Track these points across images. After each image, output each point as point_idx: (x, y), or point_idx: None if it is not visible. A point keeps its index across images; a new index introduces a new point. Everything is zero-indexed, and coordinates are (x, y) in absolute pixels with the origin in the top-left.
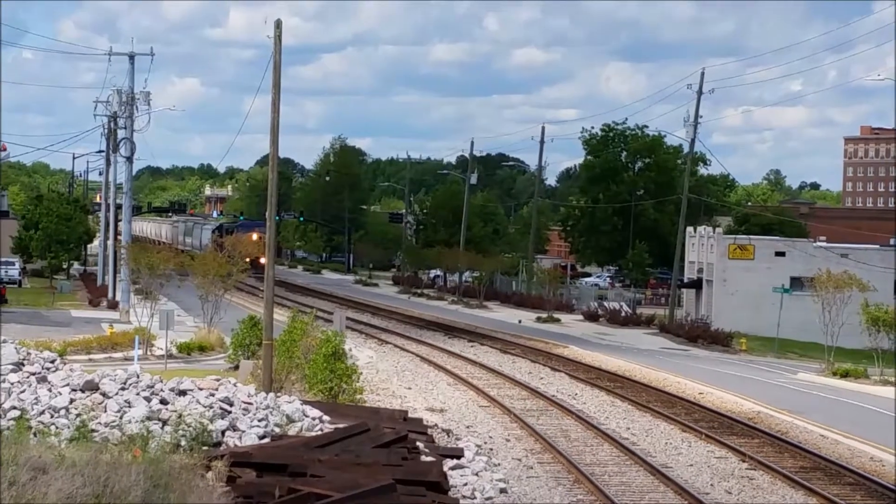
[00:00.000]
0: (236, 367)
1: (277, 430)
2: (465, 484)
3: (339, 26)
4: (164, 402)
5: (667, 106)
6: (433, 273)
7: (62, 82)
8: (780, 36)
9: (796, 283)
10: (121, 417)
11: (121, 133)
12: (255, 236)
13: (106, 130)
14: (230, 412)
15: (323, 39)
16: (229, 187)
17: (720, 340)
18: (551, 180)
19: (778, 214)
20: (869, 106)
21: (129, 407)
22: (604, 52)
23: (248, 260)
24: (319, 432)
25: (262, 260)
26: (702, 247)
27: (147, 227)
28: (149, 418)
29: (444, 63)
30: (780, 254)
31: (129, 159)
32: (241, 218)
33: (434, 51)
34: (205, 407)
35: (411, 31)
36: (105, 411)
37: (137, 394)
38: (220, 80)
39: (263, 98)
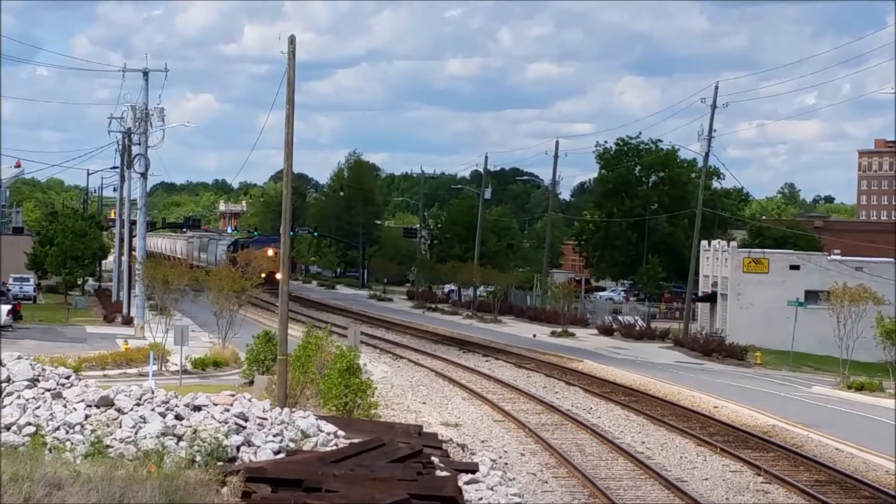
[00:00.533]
0: (251, 383)
1: (292, 445)
2: (481, 499)
3: (352, 42)
4: (179, 417)
5: (681, 120)
6: (448, 288)
7: (76, 99)
8: (793, 49)
9: (811, 296)
10: (136, 433)
11: (135, 149)
12: (270, 252)
13: (120, 146)
14: (245, 427)
15: (337, 55)
16: (243, 203)
17: (735, 354)
18: (565, 195)
19: (792, 228)
20: (883, 119)
21: (144, 423)
22: (617, 66)
23: (263, 275)
24: (334, 447)
25: (278, 275)
26: (716, 260)
27: (162, 242)
28: (164, 434)
29: (457, 78)
30: (795, 267)
31: (144, 175)
32: (256, 233)
33: (448, 66)
34: (220, 422)
35: (425, 46)
36: (120, 427)
37: (152, 409)
38: (235, 96)
39: (277, 113)
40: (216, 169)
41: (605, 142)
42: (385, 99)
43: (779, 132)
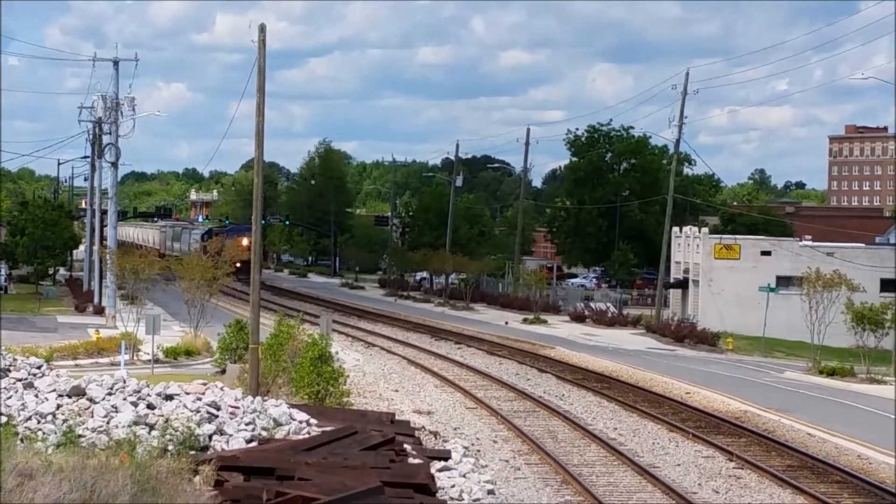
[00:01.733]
0: (223, 372)
1: (265, 433)
2: (453, 486)
3: (325, 30)
4: (151, 406)
5: (653, 107)
6: (419, 276)
7: (48, 88)
8: (766, 36)
9: (782, 282)
10: (108, 422)
11: (106, 139)
12: (244, 241)
13: (91, 136)
14: (217, 416)
15: (309, 43)
16: (215, 192)
17: (707, 340)
18: (537, 182)
19: (763, 214)
20: (855, 105)
21: (116, 412)
22: (590, 53)
23: (237, 265)
24: (307, 435)
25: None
26: (687, 247)
27: (134, 232)
28: (136, 423)
29: (430, 66)
30: (766, 253)
31: (115, 164)
32: (227, 222)
33: (420, 54)
34: (192, 411)
35: (397, 35)
36: (92, 416)
37: (124, 399)
38: (207, 86)
39: (249, 102)
40: (188, 158)
41: (577, 129)
42: (358, 87)
43: (751, 118)
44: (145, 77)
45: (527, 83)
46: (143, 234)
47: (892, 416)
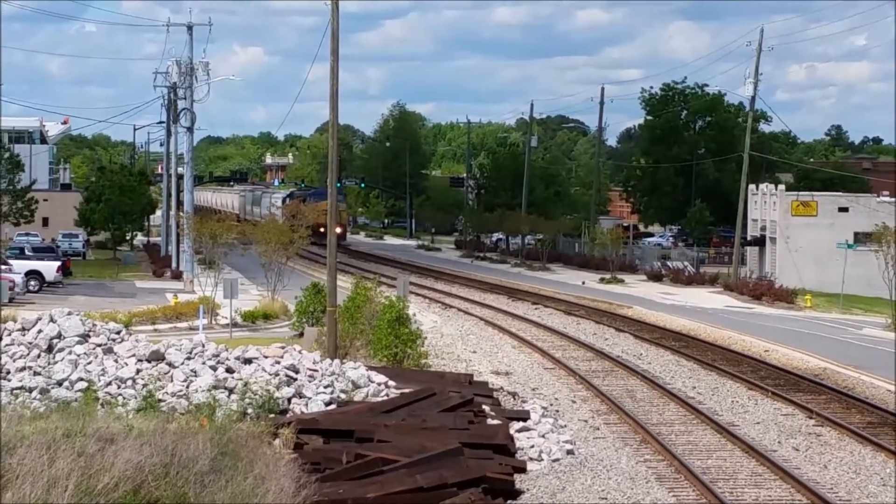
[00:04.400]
0: (301, 335)
1: (343, 396)
2: (532, 446)
3: None
4: (229, 370)
5: (729, 64)
6: (495, 237)
7: (124, 54)
8: None
9: (860, 238)
10: (187, 387)
11: (181, 103)
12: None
13: (166, 101)
14: (296, 379)
15: (385, 6)
16: (290, 155)
17: (784, 298)
18: (612, 141)
19: (839, 170)
20: None
21: (196, 376)
22: (667, 11)
23: (322, 230)
24: (385, 398)
25: (337, 229)
26: (764, 204)
27: (212, 196)
28: (215, 387)
29: (505, 25)
30: (844, 209)
31: (190, 129)
32: (303, 185)
33: (496, 13)
34: (270, 375)
35: None
36: (171, 381)
37: (203, 363)
38: (283, 49)
39: (323, 65)
40: (263, 122)
41: (651, 87)
42: (433, 49)
43: (829, 74)
44: (221, 41)
45: (603, 42)
46: (221, 198)
47: None
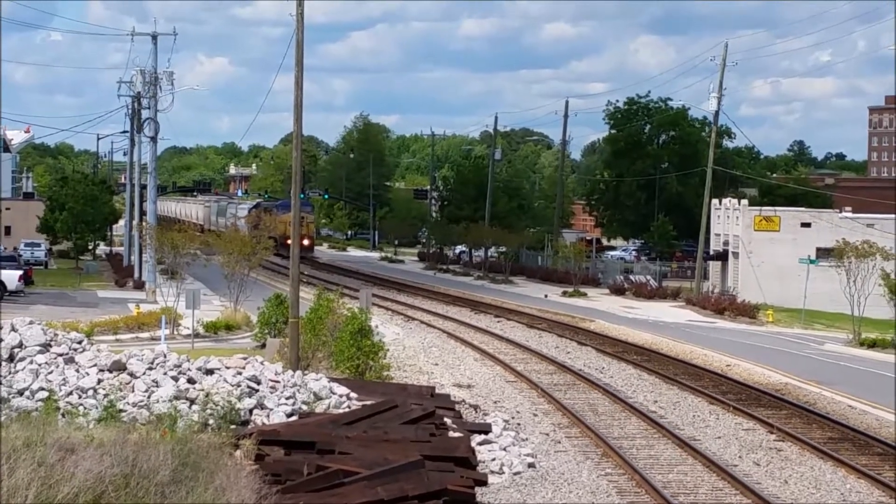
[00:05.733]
0: (263, 346)
1: (305, 407)
2: (494, 459)
3: (369, 3)
4: (191, 381)
5: (694, 78)
6: (459, 249)
7: (91, 63)
8: (809, 6)
9: (822, 253)
10: (148, 397)
11: (144, 113)
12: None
13: (130, 111)
14: (258, 390)
15: (352, 16)
16: (254, 166)
17: (747, 312)
18: (576, 154)
19: (802, 185)
20: None
21: (157, 386)
22: (634, 25)
23: (288, 241)
24: (347, 409)
25: (305, 241)
26: (727, 219)
27: (176, 207)
28: (176, 398)
29: (472, 38)
30: (806, 225)
31: (153, 139)
32: (266, 196)
33: (463, 26)
34: (232, 385)
35: (440, 7)
36: (133, 391)
37: (165, 373)
38: (249, 59)
39: (289, 76)
40: (228, 132)
41: (616, 101)
42: (400, 61)
43: (793, 89)
44: (188, 51)
45: (569, 55)
46: (186, 208)
47: None
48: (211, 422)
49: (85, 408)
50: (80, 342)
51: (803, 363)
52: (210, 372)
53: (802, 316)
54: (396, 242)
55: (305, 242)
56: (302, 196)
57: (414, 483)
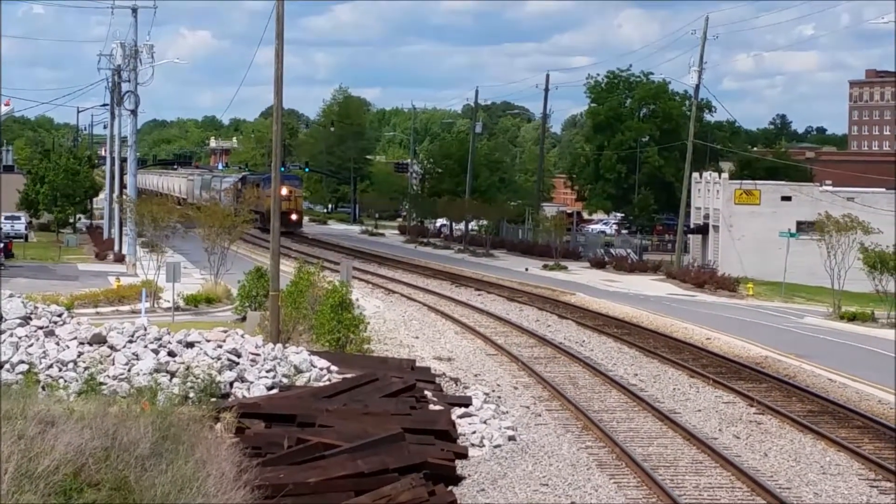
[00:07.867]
0: (243, 319)
1: (285, 380)
2: (474, 432)
3: None
4: (171, 354)
5: (676, 52)
6: (439, 222)
7: (72, 36)
8: None
9: (803, 227)
10: (129, 370)
11: (125, 86)
12: (284, 191)
13: (110, 84)
14: (238, 363)
15: None
16: (234, 139)
17: (727, 286)
18: (556, 128)
19: (782, 159)
20: (881, 50)
21: (137, 359)
22: None
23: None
24: (327, 382)
25: (294, 216)
26: (707, 192)
27: (158, 180)
28: (157, 371)
29: (455, 12)
30: (787, 198)
31: (134, 112)
32: (247, 169)
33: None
34: (213, 359)
35: None
36: (113, 364)
37: (145, 346)
38: (231, 32)
39: (270, 49)
40: (210, 106)
41: (598, 74)
42: (382, 34)
43: (776, 63)
44: (169, 24)
45: (553, 28)
46: (169, 182)
47: None
48: (191, 395)
49: (65, 381)
50: (60, 315)
51: (783, 336)
52: (190, 345)
53: (782, 289)
54: (377, 216)
55: (294, 217)
56: (283, 169)
57: (394, 456)
